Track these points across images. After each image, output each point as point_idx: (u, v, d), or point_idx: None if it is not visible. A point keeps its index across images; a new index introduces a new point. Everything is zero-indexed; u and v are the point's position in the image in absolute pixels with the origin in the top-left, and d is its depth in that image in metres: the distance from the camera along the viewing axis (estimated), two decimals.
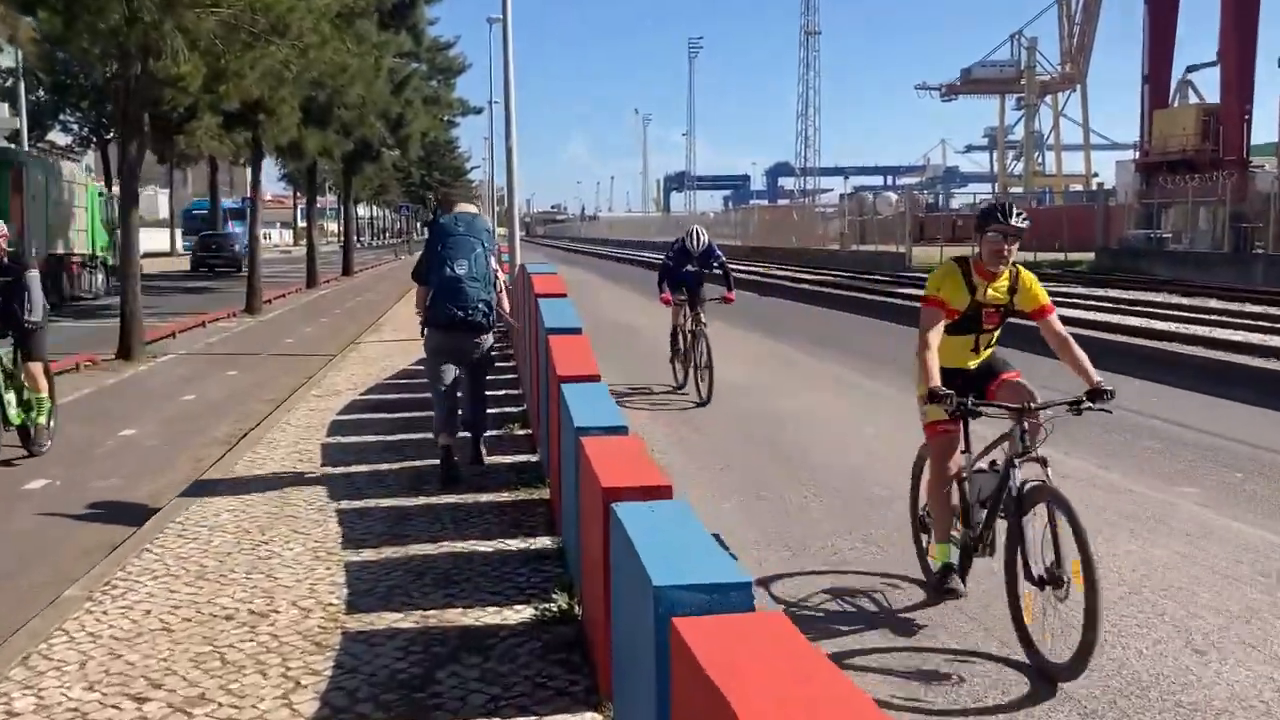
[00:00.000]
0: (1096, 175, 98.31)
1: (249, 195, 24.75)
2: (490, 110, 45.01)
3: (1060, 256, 43.10)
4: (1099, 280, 32.02)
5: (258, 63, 13.88)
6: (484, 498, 6.80)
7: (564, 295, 7.90)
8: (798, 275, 36.95)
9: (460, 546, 5.72)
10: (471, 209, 7.84)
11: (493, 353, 7.74)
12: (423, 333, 7.50)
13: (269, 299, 26.56)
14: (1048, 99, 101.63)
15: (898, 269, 39.83)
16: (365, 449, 8.42)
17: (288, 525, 6.22)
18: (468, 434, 7.73)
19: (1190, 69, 54.95)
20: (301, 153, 24.59)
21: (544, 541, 5.80)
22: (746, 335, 19.11)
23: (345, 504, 6.70)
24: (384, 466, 7.77)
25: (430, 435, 8.76)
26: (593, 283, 36.42)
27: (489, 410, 8.17)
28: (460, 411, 7.53)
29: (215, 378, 13.71)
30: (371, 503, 6.73)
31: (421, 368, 13.33)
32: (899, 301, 25.19)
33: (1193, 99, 54.06)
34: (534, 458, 7.94)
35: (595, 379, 5.65)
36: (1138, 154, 53.65)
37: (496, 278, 7.49)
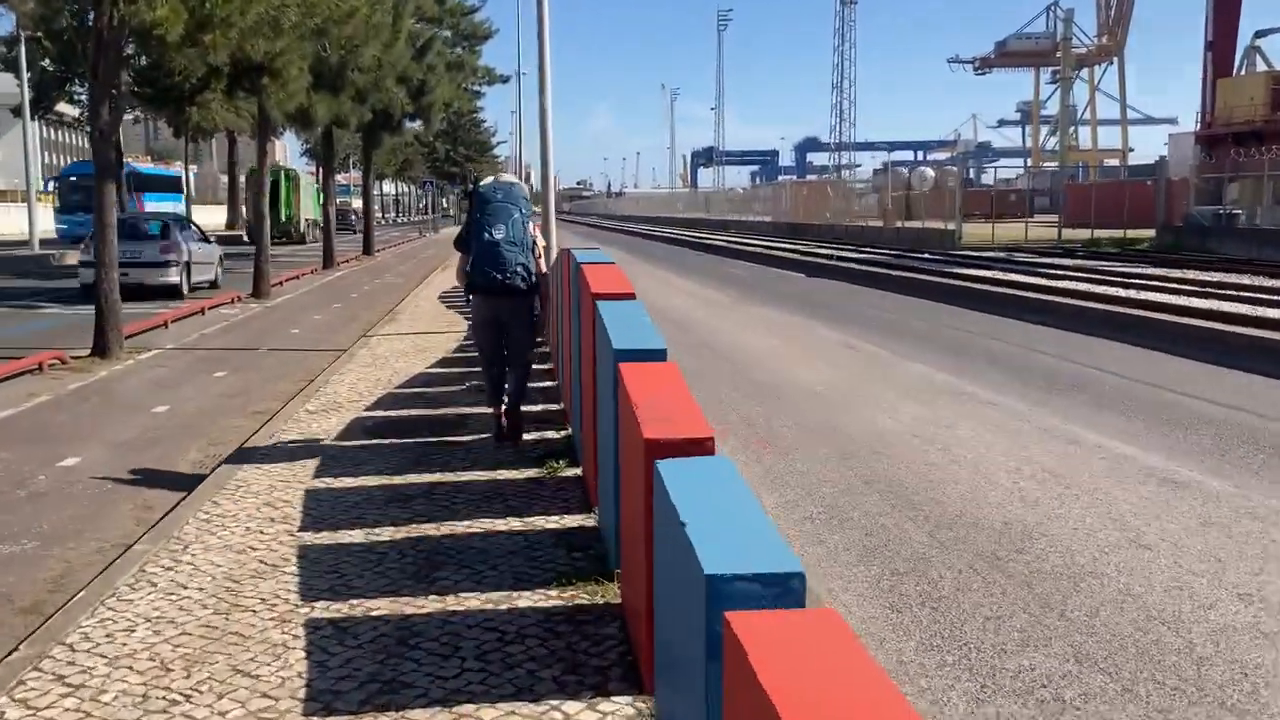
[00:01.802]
0: (1133, 150, 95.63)
1: (257, 168, 22.62)
2: (518, 81, 42.64)
3: (1119, 234, 40.57)
4: (1169, 260, 29.50)
5: (248, 9, 11.73)
6: (523, 600, 4.63)
7: (631, 295, 5.71)
8: (843, 254, 34.62)
9: None
10: (511, 178, 7.92)
11: (534, 317, 7.71)
12: (467, 300, 7.69)
13: (280, 281, 24.53)
14: (1083, 72, 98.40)
15: (946, 246, 37.45)
16: (362, 501, 6.28)
17: (228, 657, 4.08)
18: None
19: (1259, 34, 51.72)
20: (311, 120, 22.37)
21: (625, 711, 3.62)
22: (806, 322, 16.92)
23: (320, 610, 4.56)
24: (384, 534, 5.62)
25: (450, 475, 6.81)
26: (627, 261, 34.22)
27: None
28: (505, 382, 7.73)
29: (198, 381, 11.62)
30: (360, 608, 4.58)
31: (439, 371, 11.30)
32: (964, 284, 22.95)
33: (1260, 66, 50.89)
34: (589, 520, 5.78)
35: (706, 445, 3.48)
36: (1198, 125, 50.67)
37: (535, 244, 7.59)
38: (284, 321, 17.61)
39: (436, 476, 6.75)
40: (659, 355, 4.55)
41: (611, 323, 4.98)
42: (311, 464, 7.20)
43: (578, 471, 6.75)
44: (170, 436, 8.87)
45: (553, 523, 5.74)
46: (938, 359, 13.18)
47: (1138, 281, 21.96)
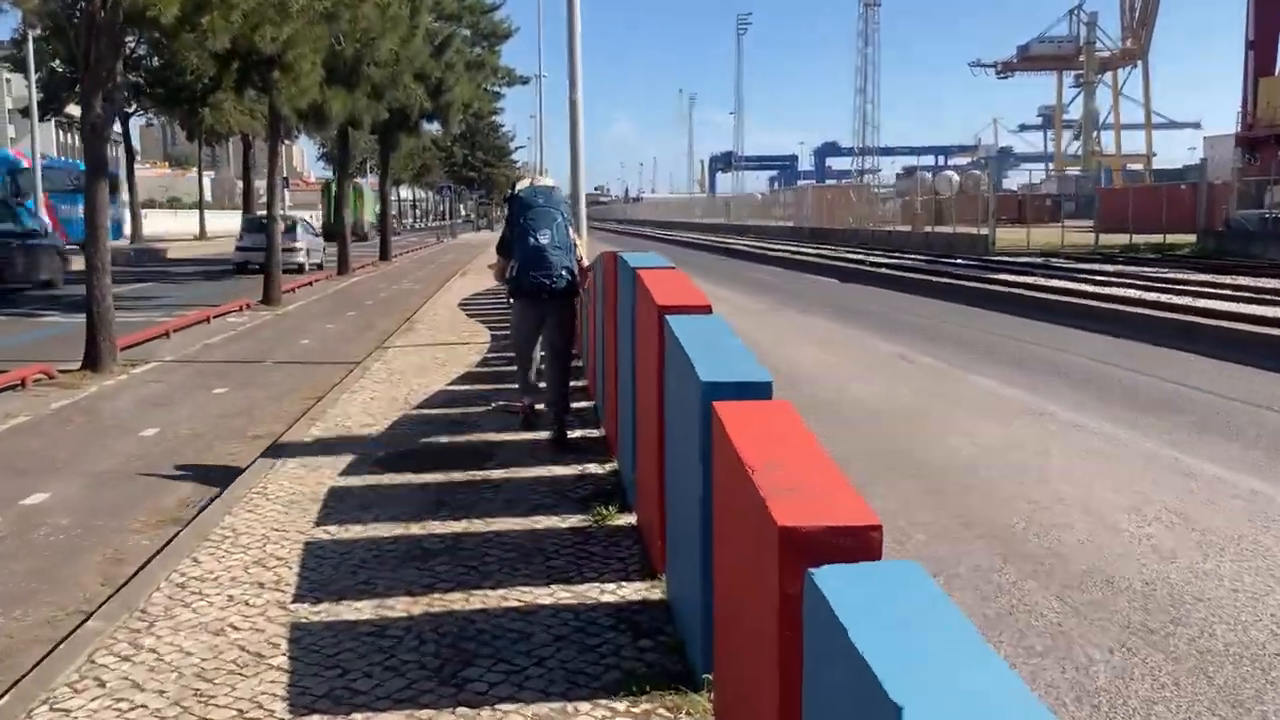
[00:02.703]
0: (1155, 155, 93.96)
1: (268, 169, 21.58)
2: (539, 83, 41.64)
3: (1158, 239, 39.23)
4: (1215, 265, 28.14)
5: None
6: (582, 719, 3.50)
7: (707, 308, 4.58)
8: (875, 259, 33.46)
9: None
10: (550, 181, 7.89)
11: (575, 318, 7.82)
12: (509, 303, 7.83)
13: (292, 288, 23.53)
14: (1106, 76, 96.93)
15: (979, 251, 36.22)
16: (371, 559, 5.15)
17: None
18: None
19: None
20: (325, 118, 21.31)
21: None
22: (850, 331, 15.75)
23: None
24: (398, 608, 4.49)
25: (479, 521, 5.71)
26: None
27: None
28: (544, 385, 7.83)
29: (196, 398, 10.54)
30: None
31: (461, 388, 10.20)
32: (1007, 290, 21.80)
33: None
34: (654, 591, 4.63)
35: (871, 540, 2.35)
36: (1239, 127, 49.17)
37: (575, 246, 7.63)
38: (294, 331, 16.55)
39: (462, 525, 5.63)
40: (763, 390, 3.41)
41: (691, 345, 3.85)
42: (314, 507, 6.08)
43: (631, 520, 5.62)
44: (156, 466, 7.77)
45: (609, 594, 4.60)
46: (1002, 372, 12.04)
47: (1192, 288, 20.74)
